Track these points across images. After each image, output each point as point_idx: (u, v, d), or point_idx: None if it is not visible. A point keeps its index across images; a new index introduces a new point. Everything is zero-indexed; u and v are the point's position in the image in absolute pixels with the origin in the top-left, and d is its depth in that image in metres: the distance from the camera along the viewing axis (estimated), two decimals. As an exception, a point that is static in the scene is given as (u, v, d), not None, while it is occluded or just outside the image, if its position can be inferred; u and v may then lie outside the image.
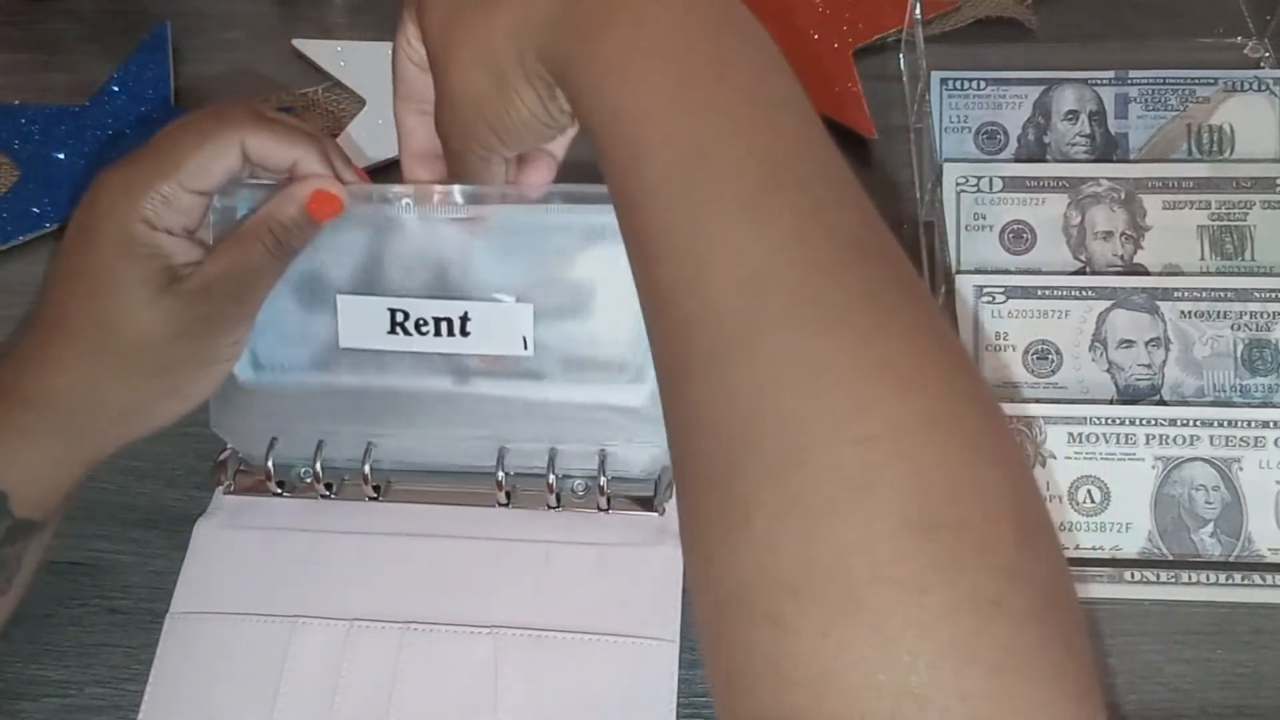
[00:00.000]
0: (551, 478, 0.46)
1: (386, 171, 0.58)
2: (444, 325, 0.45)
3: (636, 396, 0.45)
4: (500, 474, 0.47)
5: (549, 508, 0.48)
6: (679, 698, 0.44)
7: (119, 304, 0.41)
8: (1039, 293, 0.50)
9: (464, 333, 0.45)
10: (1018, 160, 0.56)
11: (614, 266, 0.45)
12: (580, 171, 0.52)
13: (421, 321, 0.45)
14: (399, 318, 0.45)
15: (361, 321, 0.45)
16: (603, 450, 0.46)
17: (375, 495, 0.48)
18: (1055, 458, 0.46)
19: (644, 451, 0.47)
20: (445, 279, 0.45)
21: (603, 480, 0.46)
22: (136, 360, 0.41)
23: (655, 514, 0.48)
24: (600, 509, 0.47)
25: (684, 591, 0.46)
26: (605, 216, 0.44)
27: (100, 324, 0.41)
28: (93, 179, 0.42)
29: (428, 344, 0.45)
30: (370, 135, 0.60)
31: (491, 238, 0.45)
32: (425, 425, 0.47)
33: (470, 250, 0.45)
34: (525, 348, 0.45)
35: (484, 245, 0.45)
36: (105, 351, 0.41)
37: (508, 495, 0.47)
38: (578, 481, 0.48)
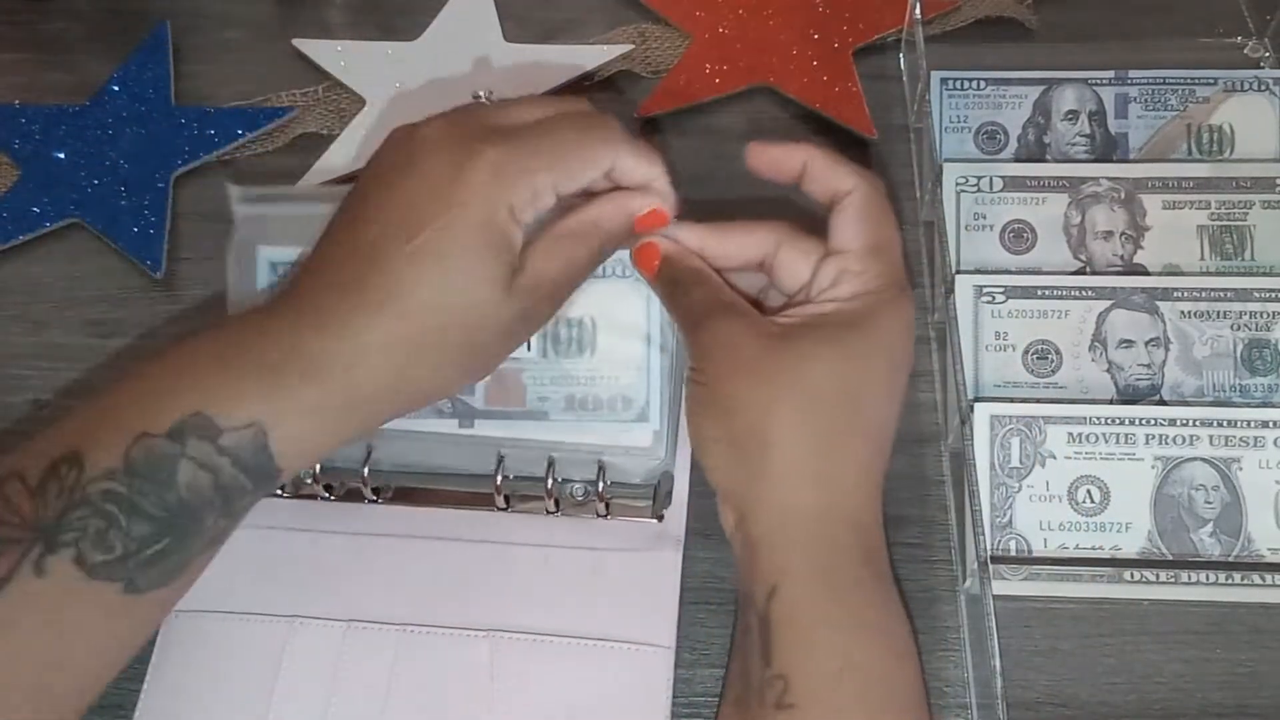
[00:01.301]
0: (550, 483, 0.46)
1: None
2: None
3: (642, 435, 0.46)
4: (499, 478, 0.47)
5: (548, 513, 0.48)
6: (675, 700, 0.44)
7: (470, 294, 0.38)
8: (1039, 292, 0.50)
9: None
10: (1018, 160, 0.56)
11: (614, 303, 0.45)
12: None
13: None
14: None
15: None
16: (600, 461, 0.46)
17: (375, 498, 0.48)
18: (1055, 458, 0.46)
19: (643, 462, 0.47)
20: None
21: (601, 487, 0.47)
22: (459, 353, 0.39)
23: (654, 520, 0.48)
24: (599, 515, 0.47)
25: (680, 596, 0.46)
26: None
27: (441, 310, 0.38)
28: (466, 150, 0.38)
29: None
30: (369, 135, 0.60)
31: None
32: (430, 464, 0.48)
33: None
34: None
35: None
36: (437, 340, 0.38)
37: (506, 500, 0.47)
38: (576, 486, 0.47)
